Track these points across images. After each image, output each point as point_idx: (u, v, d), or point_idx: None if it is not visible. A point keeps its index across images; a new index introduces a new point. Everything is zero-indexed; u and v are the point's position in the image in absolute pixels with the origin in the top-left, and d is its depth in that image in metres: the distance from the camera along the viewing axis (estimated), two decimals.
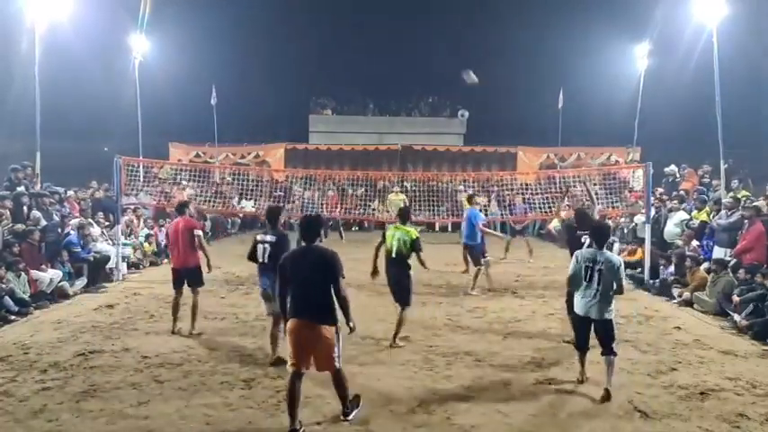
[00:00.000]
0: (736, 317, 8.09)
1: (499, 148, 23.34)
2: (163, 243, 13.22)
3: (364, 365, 6.44)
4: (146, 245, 13.48)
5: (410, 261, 7.26)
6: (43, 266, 9.62)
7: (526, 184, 15.82)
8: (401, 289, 7.22)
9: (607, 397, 5.44)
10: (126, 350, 6.93)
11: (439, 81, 26.05)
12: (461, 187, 18.76)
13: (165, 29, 19.39)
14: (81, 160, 19.21)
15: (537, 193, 14.70)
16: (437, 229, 19.66)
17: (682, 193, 13.20)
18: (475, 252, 10.55)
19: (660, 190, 14.20)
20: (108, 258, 11.41)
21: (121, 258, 11.62)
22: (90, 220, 12.21)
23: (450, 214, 16.64)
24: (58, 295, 9.63)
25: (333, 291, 4.83)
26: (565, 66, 23.74)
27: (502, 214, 15.02)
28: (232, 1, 25.03)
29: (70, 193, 13.32)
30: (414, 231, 7.29)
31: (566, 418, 5.21)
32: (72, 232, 11.09)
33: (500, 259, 13.41)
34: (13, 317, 8.24)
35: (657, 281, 10.64)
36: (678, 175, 15.45)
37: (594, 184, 14.04)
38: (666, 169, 15.61)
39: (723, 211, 10.45)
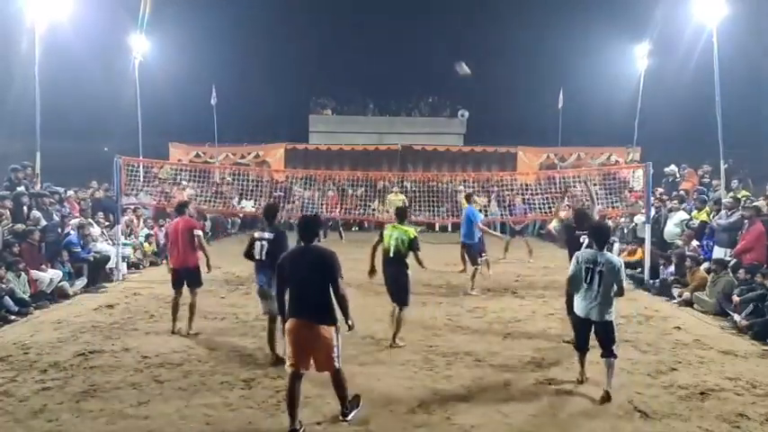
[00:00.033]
0: (736, 317, 8.09)
1: (499, 148, 23.33)
2: (162, 243, 13.22)
3: (364, 365, 6.44)
4: (146, 245, 13.48)
5: (408, 260, 7.25)
6: (43, 266, 9.63)
7: (526, 185, 15.82)
8: (399, 289, 7.21)
9: (607, 398, 5.44)
10: (126, 350, 6.93)
11: (439, 81, 26.05)
12: (461, 187, 18.74)
13: (165, 29, 19.40)
14: (81, 160, 19.21)
15: (537, 194, 14.70)
16: (437, 229, 19.67)
17: (682, 193, 13.20)
18: (472, 251, 10.57)
19: (660, 190, 14.20)
20: (108, 258, 11.42)
21: (121, 258, 11.62)
22: (90, 220, 12.22)
23: (450, 214, 16.65)
24: (58, 295, 9.63)
25: (332, 290, 4.83)
26: (565, 66, 23.74)
27: (502, 214, 15.03)
28: (232, 1, 25.03)
29: (70, 193, 13.32)
30: (412, 230, 7.28)
31: (566, 418, 5.21)
32: (72, 232, 11.09)
33: (499, 259, 13.43)
34: (13, 317, 8.24)
35: (657, 281, 10.65)
36: (678, 175, 15.45)
37: (594, 184, 14.03)
38: (666, 169, 15.61)
39: (723, 211, 10.45)
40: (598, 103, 22.29)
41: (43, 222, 10.56)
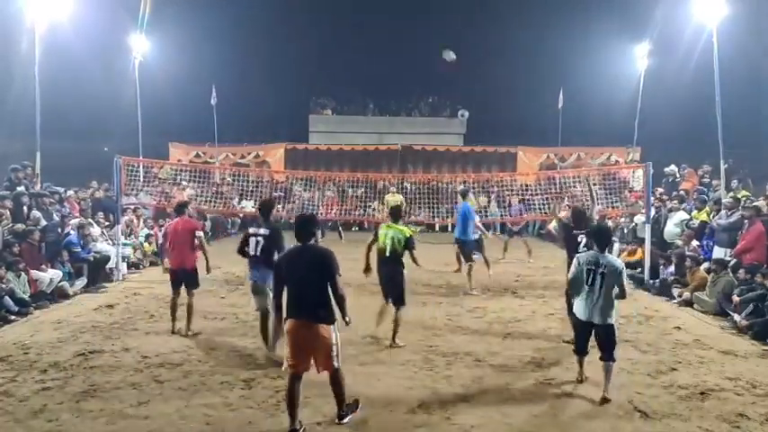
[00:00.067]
0: (736, 317, 8.09)
1: (499, 148, 23.30)
2: (160, 243, 13.21)
3: (364, 365, 6.44)
4: (146, 245, 13.48)
5: (404, 259, 7.25)
6: (43, 266, 9.63)
7: (526, 185, 15.82)
8: (395, 288, 7.21)
9: (606, 402, 5.43)
10: (126, 350, 6.93)
11: (439, 81, 26.02)
12: (462, 188, 18.72)
13: (165, 29, 19.39)
14: (81, 160, 19.21)
15: (537, 194, 14.70)
16: (437, 229, 19.66)
17: (682, 193, 13.19)
18: (466, 248, 10.56)
19: (660, 190, 14.20)
20: (108, 258, 11.42)
21: (121, 258, 11.62)
22: (90, 220, 12.21)
23: (450, 215, 16.62)
24: (58, 295, 9.63)
25: (330, 289, 4.83)
26: (565, 66, 23.73)
27: (502, 215, 15.02)
28: (232, 1, 25.02)
29: (70, 193, 13.32)
30: (407, 229, 7.30)
31: (566, 418, 5.21)
32: (72, 232, 11.09)
33: (499, 259, 13.41)
34: (13, 317, 8.24)
35: (657, 281, 10.65)
36: (678, 175, 15.44)
37: (595, 184, 14.03)
38: (666, 169, 15.61)
39: (723, 211, 10.45)
40: (598, 103, 22.28)
41: (43, 222, 10.56)
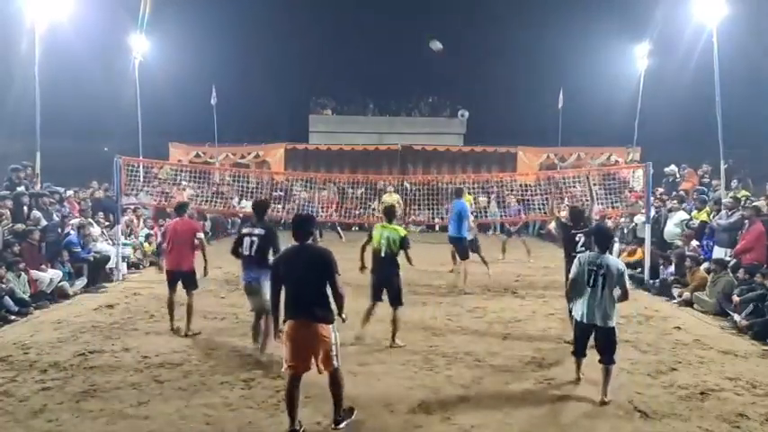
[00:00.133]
0: (736, 317, 8.09)
1: (499, 148, 23.30)
2: (159, 242, 13.20)
3: (364, 365, 6.43)
4: (146, 245, 13.48)
5: (399, 259, 7.24)
6: (43, 266, 9.62)
7: (526, 185, 15.81)
8: (392, 288, 7.20)
9: (605, 404, 5.42)
10: (126, 350, 6.93)
11: (439, 81, 26.04)
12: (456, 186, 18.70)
13: (165, 29, 19.39)
14: (81, 160, 19.22)
15: (536, 194, 14.69)
16: (437, 229, 19.64)
17: (682, 193, 13.20)
18: (461, 247, 10.56)
19: (660, 190, 14.20)
20: (108, 258, 11.41)
21: (121, 258, 11.62)
22: (90, 220, 12.21)
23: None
24: (58, 295, 9.63)
25: (330, 288, 4.82)
26: (565, 66, 23.72)
27: (501, 215, 15.01)
28: (232, 1, 25.03)
29: (70, 193, 13.33)
30: (401, 229, 7.29)
31: (566, 418, 5.21)
32: (72, 232, 11.09)
33: (498, 260, 13.41)
34: (13, 317, 8.24)
35: (657, 281, 10.65)
36: (678, 175, 15.45)
37: (595, 184, 14.02)
38: (666, 169, 15.61)
39: (723, 211, 10.45)
40: (598, 103, 22.26)
41: (43, 222, 10.56)
